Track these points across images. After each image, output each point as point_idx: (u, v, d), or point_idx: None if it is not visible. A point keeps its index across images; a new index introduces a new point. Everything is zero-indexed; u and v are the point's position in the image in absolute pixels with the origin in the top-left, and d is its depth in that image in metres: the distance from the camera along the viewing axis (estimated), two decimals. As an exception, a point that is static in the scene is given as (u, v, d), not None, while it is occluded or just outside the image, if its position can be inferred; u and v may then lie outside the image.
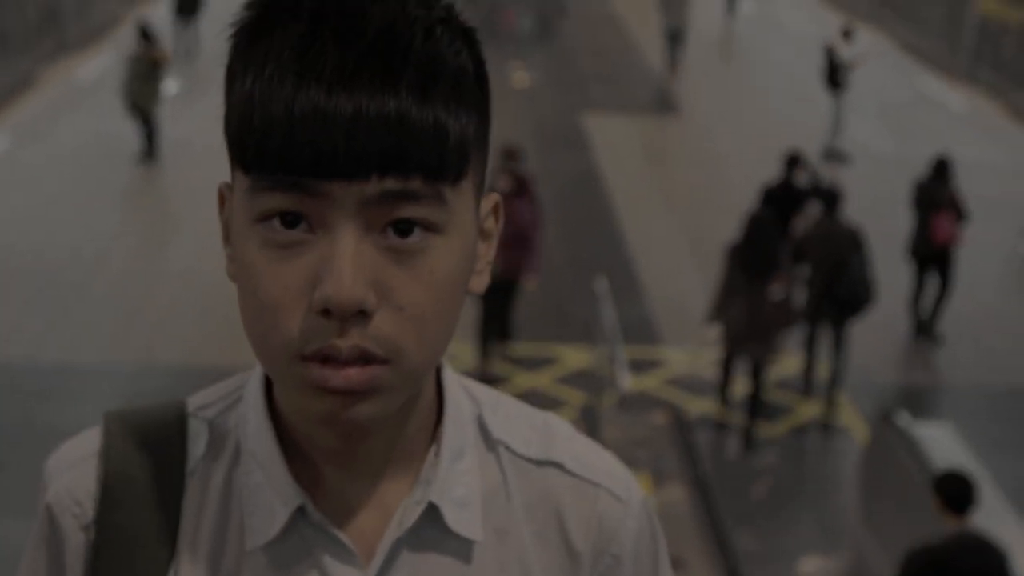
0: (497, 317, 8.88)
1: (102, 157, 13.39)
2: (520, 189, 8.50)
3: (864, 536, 7.01)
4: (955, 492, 5.14)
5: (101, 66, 17.32)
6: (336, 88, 0.89)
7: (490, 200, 1.07)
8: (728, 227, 11.70)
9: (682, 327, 9.98)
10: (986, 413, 9.07)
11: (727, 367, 8.30)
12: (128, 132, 13.61)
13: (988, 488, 6.02)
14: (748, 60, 20.47)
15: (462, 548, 1.07)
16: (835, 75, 14.51)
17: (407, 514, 1.05)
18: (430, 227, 0.94)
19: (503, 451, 1.13)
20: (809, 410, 8.79)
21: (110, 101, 14.57)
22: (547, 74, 19.02)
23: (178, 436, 1.10)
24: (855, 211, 10.93)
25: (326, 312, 0.90)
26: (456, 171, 0.94)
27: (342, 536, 1.04)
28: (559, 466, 1.13)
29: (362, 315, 0.91)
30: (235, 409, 1.11)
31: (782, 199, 9.65)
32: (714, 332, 8.20)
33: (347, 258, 0.90)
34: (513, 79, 18.39)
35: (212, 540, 1.07)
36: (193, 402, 1.13)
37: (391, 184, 0.90)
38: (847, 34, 15.18)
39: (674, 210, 12.76)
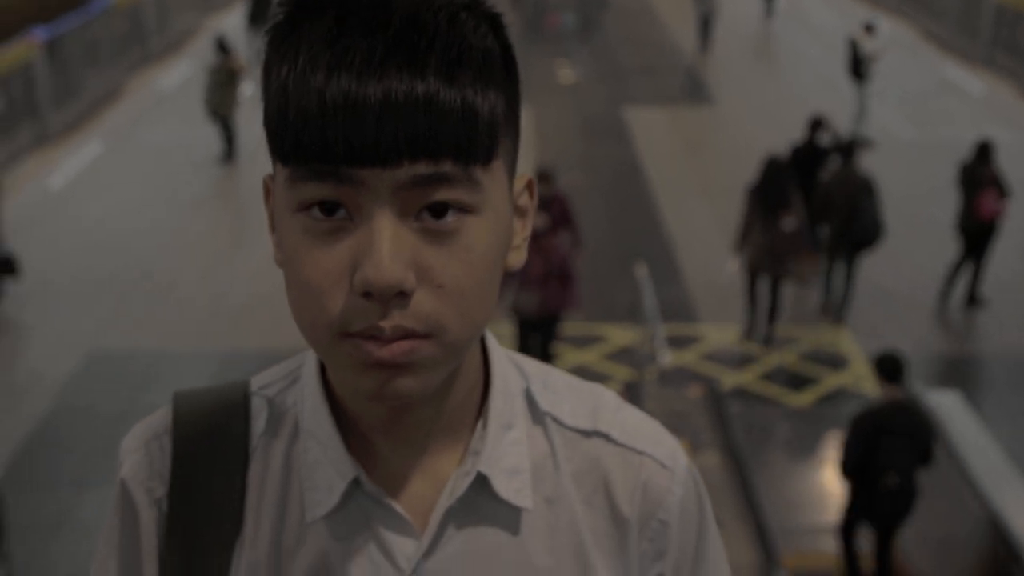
0: (537, 353, 8.05)
1: (186, 160, 13.80)
2: (557, 221, 8.05)
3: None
4: (890, 367, 6.07)
5: (181, 74, 17.74)
6: (365, 76, 0.88)
7: (523, 179, 1.06)
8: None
9: (718, 305, 10.24)
10: (1003, 382, 9.27)
11: (752, 292, 9.37)
12: (208, 136, 14.02)
13: (997, 455, 6.22)
14: (781, 55, 20.51)
15: (513, 516, 1.07)
16: (858, 67, 14.65)
17: (457, 484, 1.05)
18: (464, 208, 0.93)
19: (551, 422, 1.12)
20: (835, 380, 9.04)
21: (191, 107, 14.99)
22: (590, 69, 19.21)
23: (242, 414, 1.11)
24: (885, 195, 11.15)
25: (367, 294, 0.91)
26: (486, 152, 0.93)
27: (396, 506, 1.05)
28: (605, 436, 1.12)
29: (402, 295, 0.91)
30: (293, 388, 1.11)
31: (807, 156, 10.54)
32: (736, 263, 9.40)
33: (384, 242, 0.90)
34: (559, 76, 18.61)
35: (275, 513, 1.07)
36: (255, 382, 1.14)
37: (423, 168, 0.90)
38: (869, 28, 15.32)
39: (709, 196, 12.97)
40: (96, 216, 11.99)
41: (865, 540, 6.47)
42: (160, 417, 1.13)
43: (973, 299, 10.19)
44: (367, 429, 1.06)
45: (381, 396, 0.96)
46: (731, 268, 9.62)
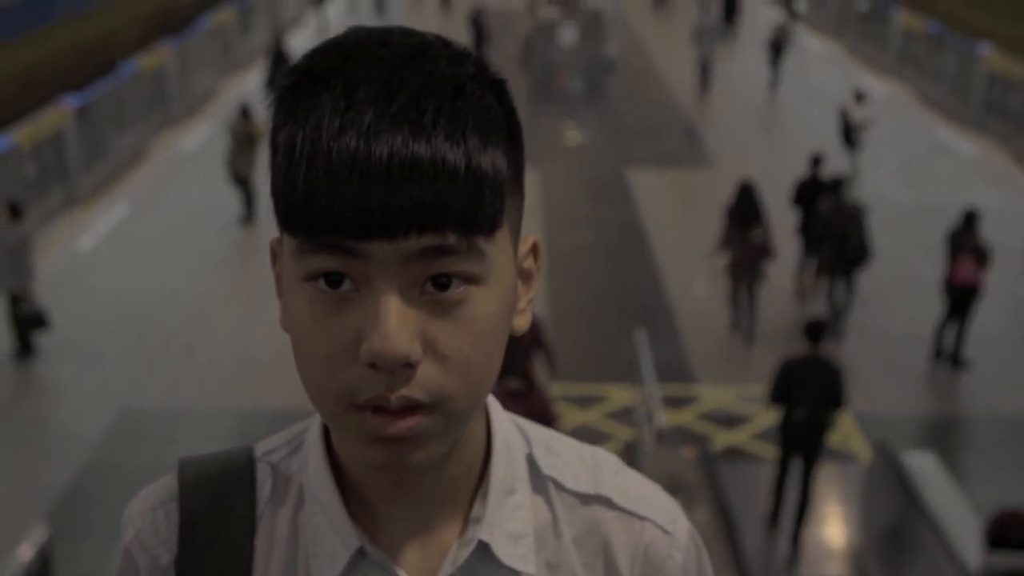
0: None
1: (208, 222, 14.35)
2: (529, 345, 7.73)
3: (865, 549, 7.70)
4: (814, 329, 7.74)
5: (202, 136, 18.36)
6: (371, 146, 0.89)
7: (527, 241, 1.06)
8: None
9: (715, 366, 10.73)
10: (985, 443, 9.72)
11: (734, 297, 11.24)
12: (229, 198, 14.57)
13: (970, 516, 6.63)
14: (781, 120, 21.05)
15: None
16: (849, 135, 15.21)
17: (460, 552, 1.05)
18: (469, 279, 0.93)
19: (552, 487, 1.12)
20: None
21: (211, 169, 15.58)
22: (596, 131, 19.79)
23: (247, 480, 1.11)
24: (878, 257, 11.68)
25: (374, 365, 0.91)
26: (491, 221, 0.94)
27: (401, 573, 1.05)
28: (607, 500, 1.12)
29: (408, 366, 0.92)
30: (298, 453, 1.11)
31: (809, 189, 12.13)
32: (719, 262, 11.42)
33: (391, 314, 0.90)
34: (566, 138, 19.21)
35: None
36: (260, 448, 1.14)
37: (428, 240, 0.90)
38: (859, 97, 15.95)
39: (708, 258, 13.49)
40: (124, 277, 12.53)
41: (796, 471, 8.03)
42: (165, 484, 1.12)
43: (957, 360, 10.67)
44: (371, 495, 1.07)
45: (387, 468, 0.97)
46: (716, 266, 11.81)
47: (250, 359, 10.54)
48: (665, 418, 8.44)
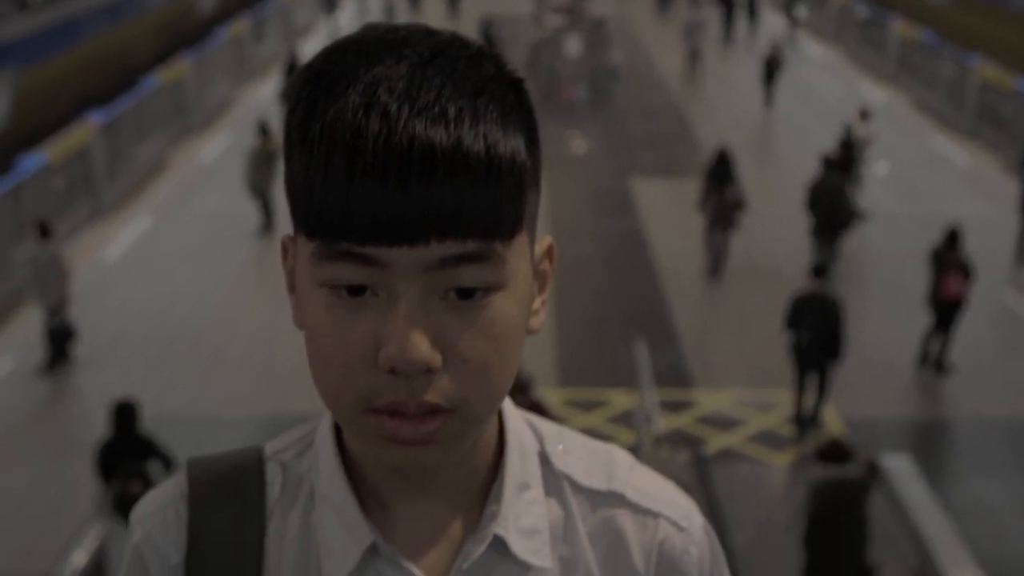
0: None
1: (228, 232, 14.94)
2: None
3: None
4: (820, 268, 9.88)
5: (220, 146, 18.92)
6: (393, 141, 0.88)
7: (544, 243, 1.06)
8: (757, 289, 13.02)
9: (713, 372, 11.28)
10: (966, 446, 10.27)
11: (709, 242, 13.49)
12: (247, 208, 15.12)
13: (940, 515, 7.14)
14: (780, 131, 21.55)
15: None
16: (851, 150, 15.54)
17: (474, 547, 1.04)
18: (490, 285, 0.93)
19: (566, 483, 1.11)
20: (809, 445, 10.04)
21: (229, 180, 16.15)
22: (600, 141, 20.30)
23: (257, 479, 1.09)
24: (869, 264, 12.21)
25: (393, 371, 0.91)
26: (511, 226, 0.94)
27: (414, 569, 1.03)
28: (620, 496, 1.12)
29: (428, 372, 0.91)
30: (308, 452, 1.10)
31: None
32: (700, 215, 13.59)
33: (411, 321, 0.90)
34: (571, 147, 19.74)
35: None
36: (270, 447, 1.12)
37: (450, 248, 0.90)
38: (864, 115, 16.41)
39: (709, 278, 14.04)
40: (150, 287, 13.10)
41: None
42: (175, 484, 1.11)
43: (941, 366, 11.21)
44: (383, 492, 1.06)
45: (404, 468, 1.00)
46: (694, 222, 14.07)
47: (274, 365, 11.08)
48: (663, 422, 9.01)
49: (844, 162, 14.27)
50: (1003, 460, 9.96)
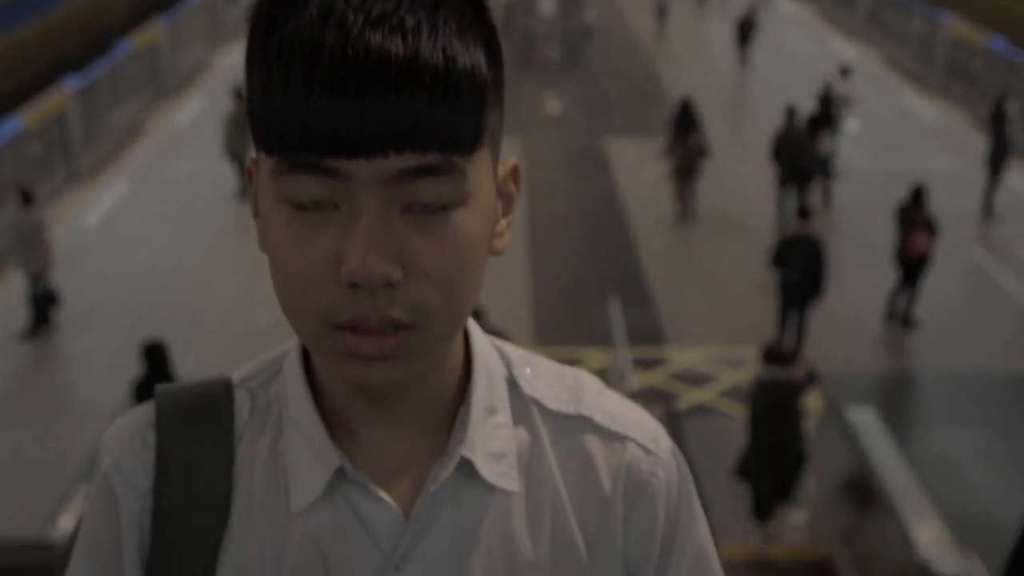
0: None
1: (205, 195, 15.03)
2: None
3: (818, 496, 8.51)
4: (804, 209, 10.65)
5: (195, 110, 18.95)
6: (350, 51, 0.88)
7: (508, 164, 1.05)
8: (728, 247, 13.23)
9: (685, 330, 11.50)
10: (932, 398, 10.54)
11: (678, 191, 14.19)
12: (223, 172, 15.21)
13: (904, 468, 7.39)
14: (753, 90, 21.70)
15: (498, 500, 1.07)
16: (829, 106, 15.58)
17: (440, 469, 1.04)
18: (450, 201, 0.93)
19: (534, 407, 1.11)
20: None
21: (205, 143, 16.22)
22: (574, 101, 20.42)
23: (225, 407, 1.09)
24: (839, 221, 12.42)
25: (354, 285, 0.91)
26: (471, 140, 0.93)
27: (381, 493, 1.04)
28: (589, 420, 1.11)
29: (389, 286, 0.91)
30: (276, 380, 1.10)
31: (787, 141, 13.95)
32: (664, 166, 14.34)
33: (371, 234, 0.90)
34: (546, 107, 19.84)
35: (261, 504, 1.06)
36: (237, 375, 1.12)
37: (409, 160, 0.89)
38: (844, 72, 16.53)
39: (679, 226, 14.23)
40: (129, 251, 13.20)
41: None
42: (142, 412, 1.10)
43: (908, 321, 11.47)
44: (350, 417, 1.06)
45: (367, 385, 0.98)
46: (658, 170, 14.75)
47: (252, 329, 11.21)
48: (636, 380, 9.22)
49: (822, 117, 14.46)
50: (968, 414, 10.23)
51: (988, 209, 14.30)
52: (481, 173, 0.96)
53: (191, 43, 21.98)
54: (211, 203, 14.76)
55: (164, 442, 1.07)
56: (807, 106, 15.68)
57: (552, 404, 1.11)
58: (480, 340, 1.11)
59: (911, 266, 11.21)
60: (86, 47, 18.79)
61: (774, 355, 7.87)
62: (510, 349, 1.15)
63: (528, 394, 1.11)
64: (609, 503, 1.10)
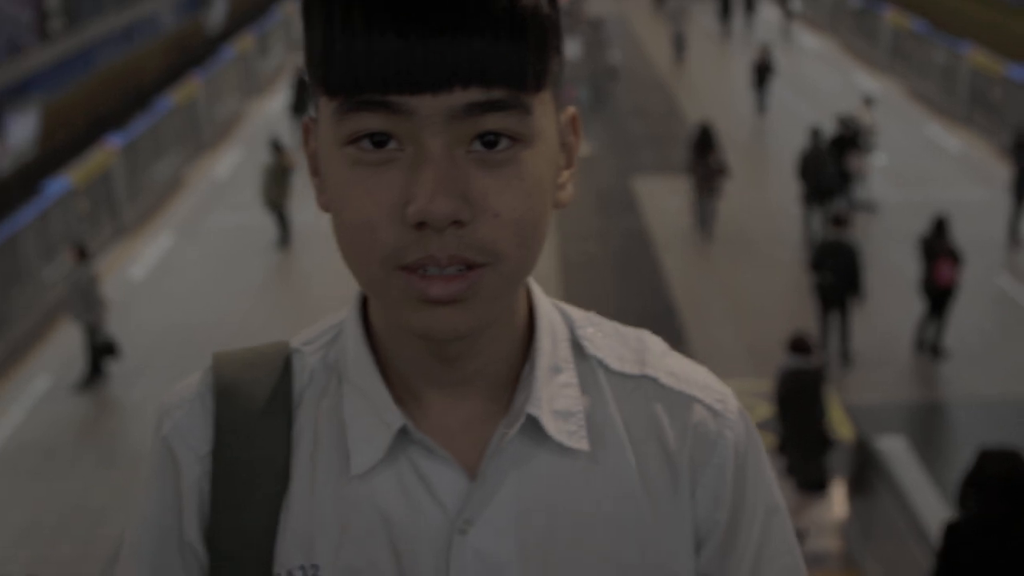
0: None
1: (247, 246, 15.41)
2: None
3: (850, 523, 8.73)
4: (842, 217, 11.28)
5: (232, 162, 19.41)
6: (411, 10, 0.87)
7: (567, 113, 1.03)
8: (758, 277, 13.49)
9: (719, 365, 11.72)
10: (960, 427, 10.74)
11: (697, 205, 15.05)
12: (263, 222, 15.55)
13: (935, 497, 7.59)
14: (776, 127, 21.97)
15: (565, 458, 1.04)
16: (855, 139, 15.73)
17: (506, 429, 1.02)
18: (516, 137, 0.91)
19: (598, 368, 1.09)
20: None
21: (244, 194, 16.64)
22: (603, 140, 20.76)
23: (284, 371, 1.08)
24: (866, 251, 12.63)
25: (421, 224, 0.89)
26: (537, 79, 0.92)
27: (446, 453, 1.01)
28: (654, 381, 1.10)
29: (457, 224, 0.89)
30: (336, 343, 1.09)
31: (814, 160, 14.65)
32: (689, 183, 15.18)
33: (439, 171, 0.88)
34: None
35: (322, 466, 1.04)
36: (296, 340, 1.11)
37: (475, 95, 0.88)
38: (868, 101, 16.79)
39: (711, 262, 14.51)
40: (175, 301, 13.61)
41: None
42: (201, 376, 1.10)
43: (937, 351, 11.68)
44: (413, 378, 1.04)
45: (433, 333, 0.95)
46: (681, 199, 15.80)
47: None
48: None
49: (845, 138, 15.14)
50: (998, 441, 10.39)
51: (1014, 236, 14.51)
52: (545, 115, 0.95)
53: (226, 96, 22.52)
54: (253, 253, 15.16)
55: (223, 406, 1.07)
56: (831, 130, 15.96)
57: (616, 365, 1.10)
58: (543, 300, 1.10)
59: (937, 296, 11.45)
60: (124, 104, 19.37)
61: (799, 345, 8.32)
62: (572, 310, 1.14)
63: (592, 354, 1.10)
64: (676, 465, 1.08)
